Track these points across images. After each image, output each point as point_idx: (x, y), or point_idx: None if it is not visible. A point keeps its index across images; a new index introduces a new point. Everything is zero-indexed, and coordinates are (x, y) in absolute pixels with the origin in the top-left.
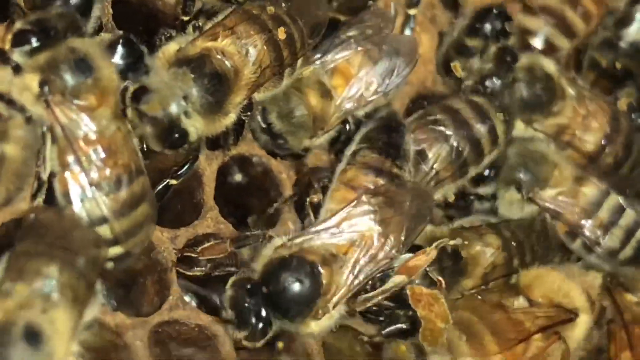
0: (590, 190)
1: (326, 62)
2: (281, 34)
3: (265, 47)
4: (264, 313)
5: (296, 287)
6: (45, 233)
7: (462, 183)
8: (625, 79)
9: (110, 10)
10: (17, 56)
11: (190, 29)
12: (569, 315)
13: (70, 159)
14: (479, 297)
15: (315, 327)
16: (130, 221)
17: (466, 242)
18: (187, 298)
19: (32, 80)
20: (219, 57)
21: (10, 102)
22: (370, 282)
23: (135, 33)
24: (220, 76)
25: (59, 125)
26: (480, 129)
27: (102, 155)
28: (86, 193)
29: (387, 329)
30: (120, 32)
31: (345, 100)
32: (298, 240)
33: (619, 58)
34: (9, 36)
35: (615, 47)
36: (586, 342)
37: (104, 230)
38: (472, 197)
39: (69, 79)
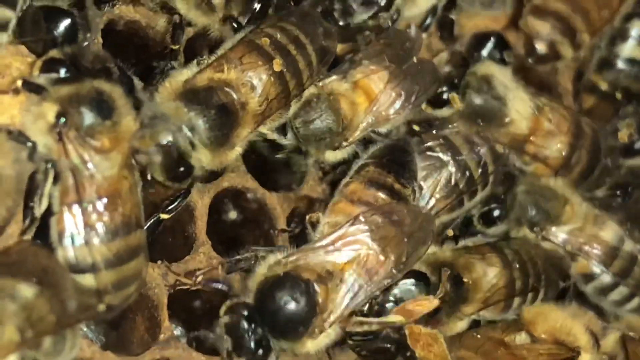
0: (608, 234)
1: (351, 76)
2: (276, 66)
3: (271, 79)
4: (263, 338)
5: (291, 306)
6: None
7: (458, 214)
8: (628, 102)
9: (100, 40)
10: (41, 81)
11: (194, 63)
12: (571, 354)
13: (72, 198)
14: (479, 335)
15: (312, 346)
16: (119, 274)
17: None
18: (178, 334)
19: (50, 109)
20: (226, 89)
21: (8, 133)
22: (368, 303)
23: (126, 63)
24: (227, 108)
25: (66, 161)
26: (470, 154)
27: (104, 199)
28: (80, 235)
29: None
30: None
31: (369, 114)
32: (293, 258)
33: (619, 80)
34: (39, 62)
35: (613, 65)
36: None
37: (89, 280)
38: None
39: (88, 116)
